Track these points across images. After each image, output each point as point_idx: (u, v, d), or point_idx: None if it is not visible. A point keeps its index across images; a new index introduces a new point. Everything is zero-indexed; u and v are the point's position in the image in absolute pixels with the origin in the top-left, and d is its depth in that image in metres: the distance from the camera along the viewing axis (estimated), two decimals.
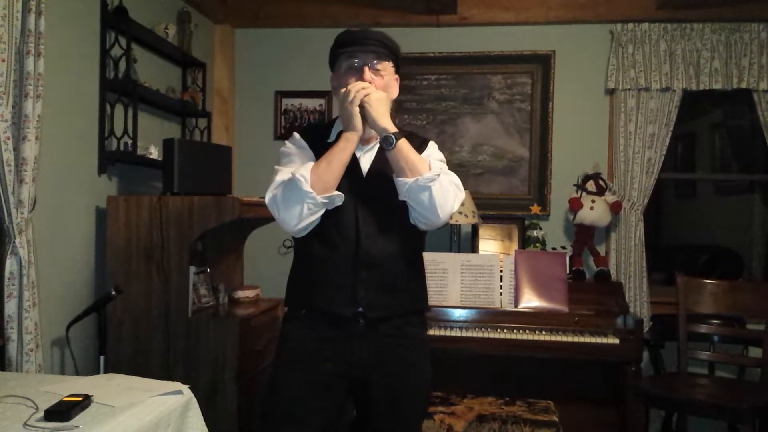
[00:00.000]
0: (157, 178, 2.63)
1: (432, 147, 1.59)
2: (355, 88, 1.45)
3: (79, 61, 2.27)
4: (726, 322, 2.73)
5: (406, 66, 3.22)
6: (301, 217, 1.41)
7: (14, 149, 1.84)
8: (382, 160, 1.49)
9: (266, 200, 1.46)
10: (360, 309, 1.46)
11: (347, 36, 1.53)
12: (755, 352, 2.64)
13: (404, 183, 1.43)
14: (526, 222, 3.09)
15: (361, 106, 1.44)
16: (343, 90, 1.48)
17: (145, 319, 2.28)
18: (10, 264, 1.86)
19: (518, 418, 2.18)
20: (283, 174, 1.46)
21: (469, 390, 2.45)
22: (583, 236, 3.00)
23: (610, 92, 3.15)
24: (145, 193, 2.56)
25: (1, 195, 1.83)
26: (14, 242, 1.85)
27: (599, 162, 3.11)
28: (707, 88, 3.01)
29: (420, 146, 1.55)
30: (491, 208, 3.17)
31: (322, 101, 3.36)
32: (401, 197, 1.45)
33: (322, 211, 1.44)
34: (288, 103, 3.39)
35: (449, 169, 1.54)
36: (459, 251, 2.99)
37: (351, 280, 1.45)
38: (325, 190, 1.41)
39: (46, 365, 2.04)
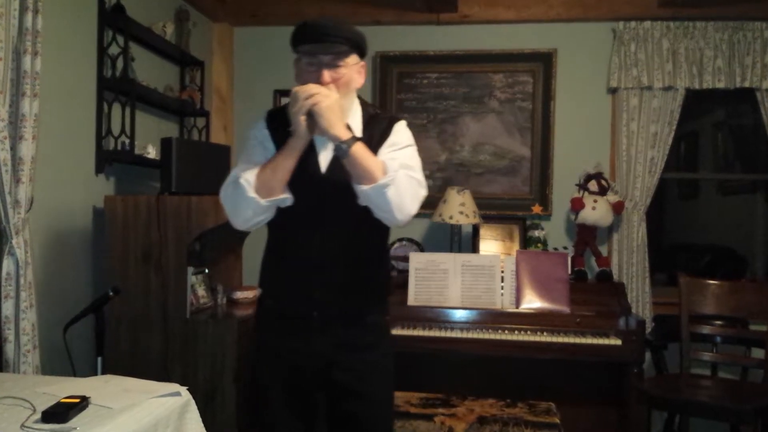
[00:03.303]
0: (155, 178, 2.63)
1: (398, 132, 1.51)
2: (303, 95, 1.39)
3: (77, 59, 2.26)
4: (729, 323, 2.72)
5: (406, 64, 3.25)
6: (247, 219, 1.45)
7: (11, 148, 1.83)
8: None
9: (220, 196, 1.49)
10: (315, 308, 1.48)
11: (305, 32, 1.45)
12: (758, 352, 2.63)
13: (360, 190, 1.41)
14: (528, 222, 3.08)
15: (312, 113, 1.38)
16: (293, 90, 1.43)
17: (143, 320, 2.27)
18: (6, 264, 1.86)
19: (519, 420, 2.17)
20: (239, 169, 1.47)
21: (469, 392, 2.44)
22: (585, 236, 2.98)
23: (613, 91, 3.14)
24: (142, 193, 2.55)
25: None
26: (11, 242, 1.85)
27: (601, 161, 3.10)
28: (710, 87, 3.00)
29: (385, 131, 1.50)
30: (492, 208, 3.15)
31: None
32: (359, 202, 1.44)
33: (271, 211, 1.46)
34: (287, 102, 3.37)
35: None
36: (460, 251, 2.98)
37: (306, 282, 1.48)
38: (270, 195, 1.42)
39: (44, 366, 2.03)
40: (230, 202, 1.46)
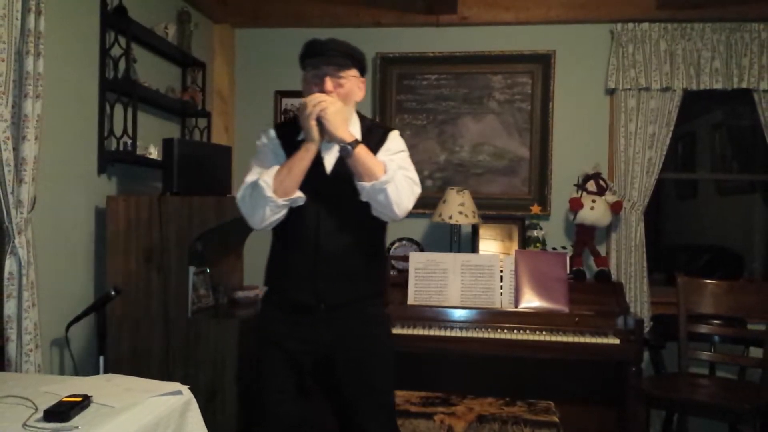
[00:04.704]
0: (156, 178, 2.63)
1: (391, 139, 1.69)
2: (312, 102, 1.55)
3: (79, 60, 2.26)
4: (727, 323, 2.72)
5: (406, 66, 3.27)
6: (264, 217, 1.58)
7: (14, 149, 1.83)
8: (344, 159, 1.60)
9: (237, 198, 1.63)
10: (320, 298, 1.62)
11: (312, 47, 1.62)
12: (756, 352, 2.63)
13: (362, 187, 1.57)
14: (527, 222, 3.08)
15: (320, 119, 1.54)
16: (302, 100, 1.59)
17: (144, 320, 2.27)
18: (9, 264, 1.85)
19: (518, 419, 2.17)
20: (253, 174, 1.62)
21: (469, 390, 2.45)
22: (584, 236, 2.99)
23: (611, 92, 3.15)
24: (144, 193, 2.56)
25: (1, 195, 1.82)
26: (14, 242, 1.85)
27: (600, 162, 3.10)
28: (708, 87, 3.01)
29: (381, 139, 1.67)
30: (491, 208, 3.16)
31: None
32: (362, 198, 1.59)
33: (285, 210, 1.60)
34: (288, 102, 3.39)
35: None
36: (459, 251, 2.98)
37: (311, 274, 1.62)
38: (286, 194, 1.57)
39: (46, 365, 2.03)
40: (248, 203, 1.59)
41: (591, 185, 2.99)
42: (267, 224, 1.60)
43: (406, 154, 1.69)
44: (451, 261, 2.71)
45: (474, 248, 3.05)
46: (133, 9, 2.44)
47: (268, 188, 1.55)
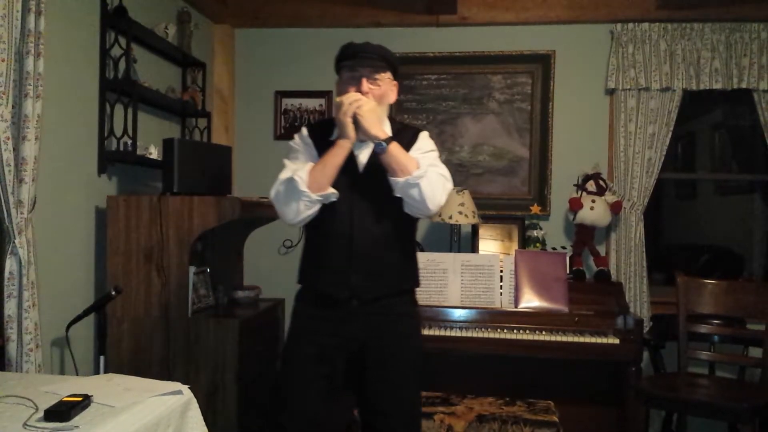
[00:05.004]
0: (156, 178, 2.63)
1: (422, 139, 1.74)
2: (348, 100, 1.61)
3: (79, 61, 2.27)
4: (726, 322, 2.72)
5: (406, 66, 3.28)
6: (297, 212, 1.62)
7: (14, 149, 1.84)
8: (377, 156, 1.65)
9: (271, 195, 1.67)
10: (353, 292, 1.65)
11: (349, 50, 1.68)
12: (755, 352, 2.64)
13: (396, 182, 1.61)
14: (526, 222, 3.09)
15: (355, 117, 1.60)
16: (338, 99, 1.65)
17: (144, 320, 2.28)
18: (9, 264, 1.86)
19: (518, 419, 2.18)
20: (286, 171, 1.65)
21: (469, 390, 2.45)
22: (583, 236, 2.99)
23: (611, 92, 3.15)
24: (144, 193, 2.56)
25: (1, 195, 1.83)
26: (14, 242, 1.85)
27: (599, 162, 3.11)
28: (707, 88, 3.02)
29: (411, 139, 1.72)
30: (491, 208, 3.16)
31: (322, 101, 3.36)
32: (395, 194, 1.63)
33: (318, 206, 1.64)
34: (288, 103, 3.39)
35: (449, 164, 1.58)
36: (459, 251, 2.99)
37: (344, 268, 1.65)
38: (320, 189, 1.61)
39: (46, 365, 2.04)
40: (282, 198, 1.64)
41: (591, 185, 3.00)
42: (300, 219, 1.64)
43: (436, 154, 1.73)
44: (450, 261, 2.72)
45: (474, 248, 3.06)
46: (133, 9, 2.44)
47: (303, 183, 1.59)
